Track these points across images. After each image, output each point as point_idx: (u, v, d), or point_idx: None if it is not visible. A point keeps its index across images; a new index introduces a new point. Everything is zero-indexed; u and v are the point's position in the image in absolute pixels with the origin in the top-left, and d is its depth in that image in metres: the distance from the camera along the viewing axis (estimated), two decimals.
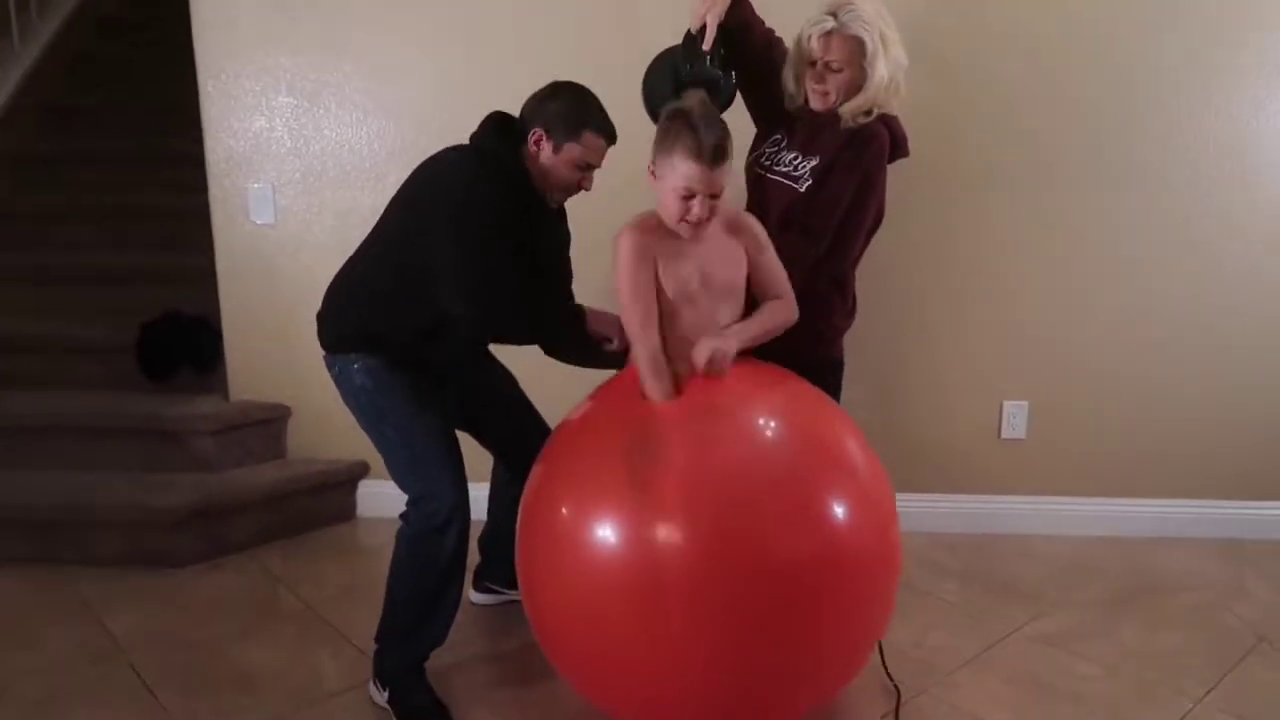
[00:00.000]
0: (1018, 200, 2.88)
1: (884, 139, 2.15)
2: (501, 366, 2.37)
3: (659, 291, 1.89)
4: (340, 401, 3.00)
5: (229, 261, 3.05)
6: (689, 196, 1.80)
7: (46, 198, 4.13)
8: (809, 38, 2.10)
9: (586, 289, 2.29)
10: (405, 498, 2.08)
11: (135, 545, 2.77)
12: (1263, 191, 2.84)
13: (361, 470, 3.15)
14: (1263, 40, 2.75)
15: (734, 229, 1.97)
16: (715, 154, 1.77)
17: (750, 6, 2.23)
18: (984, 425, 3.04)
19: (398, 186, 2.03)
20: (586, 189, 2.11)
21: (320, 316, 2.17)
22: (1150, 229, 2.88)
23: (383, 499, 3.10)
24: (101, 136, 4.37)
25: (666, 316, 1.91)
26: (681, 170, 1.79)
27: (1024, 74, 2.78)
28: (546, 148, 2.02)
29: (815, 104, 2.16)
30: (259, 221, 2.99)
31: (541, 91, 2.06)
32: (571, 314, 2.13)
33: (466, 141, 2.10)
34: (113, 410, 3.05)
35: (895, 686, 2.19)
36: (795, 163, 2.20)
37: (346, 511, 3.16)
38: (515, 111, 2.10)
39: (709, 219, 1.84)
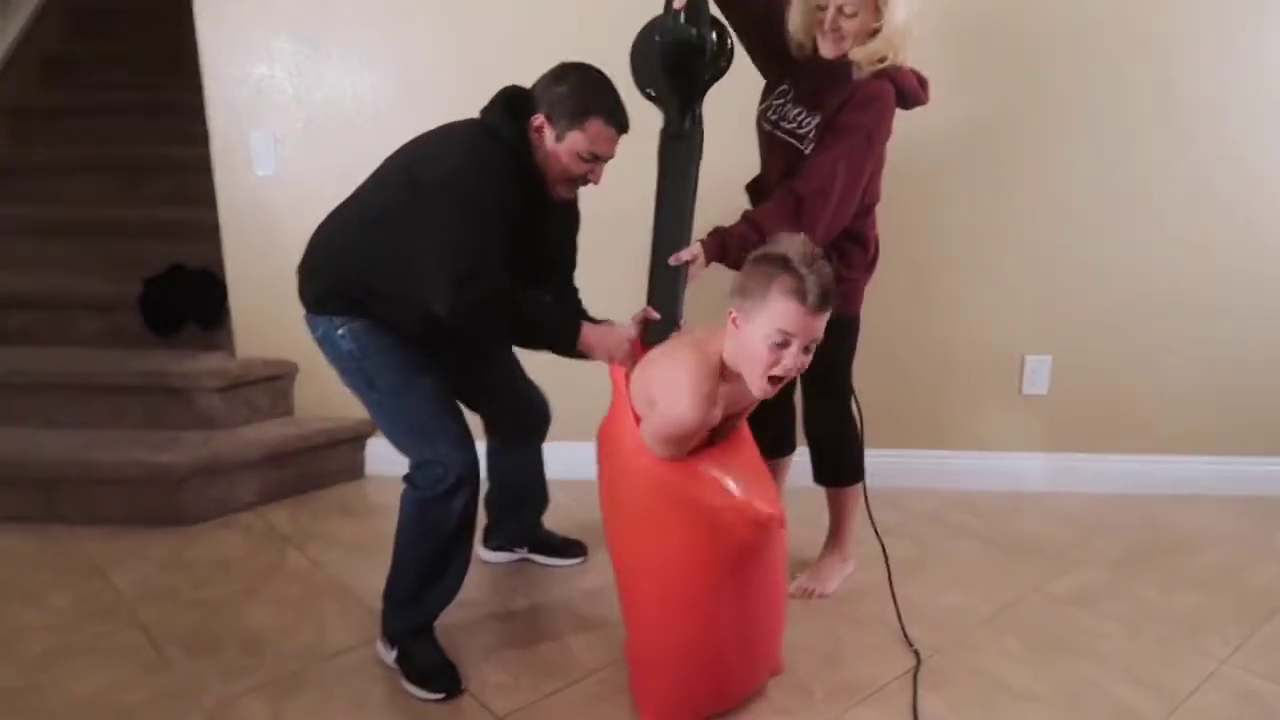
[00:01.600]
0: (1041, 153, 2.78)
1: (888, 97, 2.02)
2: None
3: None
4: None
5: (231, 214, 2.98)
6: (784, 344, 1.64)
7: (47, 150, 4.06)
8: None
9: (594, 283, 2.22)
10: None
11: (140, 503, 2.74)
12: None
13: (369, 428, 3.10)
14: None
15: None
16: (821, 300, 1.61)
17: None
18: (1006, 380, 2.96)
19: (402, 136, 1.93)
20: (594, 182, 1.97)
21: (302, 269, 2.07)
22: (1175, 182, 2.79)
23: (391, 457, 3.04)
24: (102, 88, 4.28)
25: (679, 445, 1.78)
26: (778, 310, 1.61)
27: (1047, 28, 2.67)
28: (549, 134, 1.90)
29: (826, 51, 2.03)
30: (261, 173, 2.92)
31: (551, 72, 1.93)
32: (569, 310, 2.09)
33: (477, 115, 1.98)
34: (116, 366, 3.01)
35: (915, 651, 2.15)
36: (800, 119, 2.09)
37: (354, 469, 3.12)
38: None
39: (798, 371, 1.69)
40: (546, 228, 2.03)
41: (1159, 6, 2.66)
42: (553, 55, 1.98)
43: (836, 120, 2.01)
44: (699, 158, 2.07)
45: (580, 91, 1.88)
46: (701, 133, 2.08)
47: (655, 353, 1.89)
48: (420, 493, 1.99)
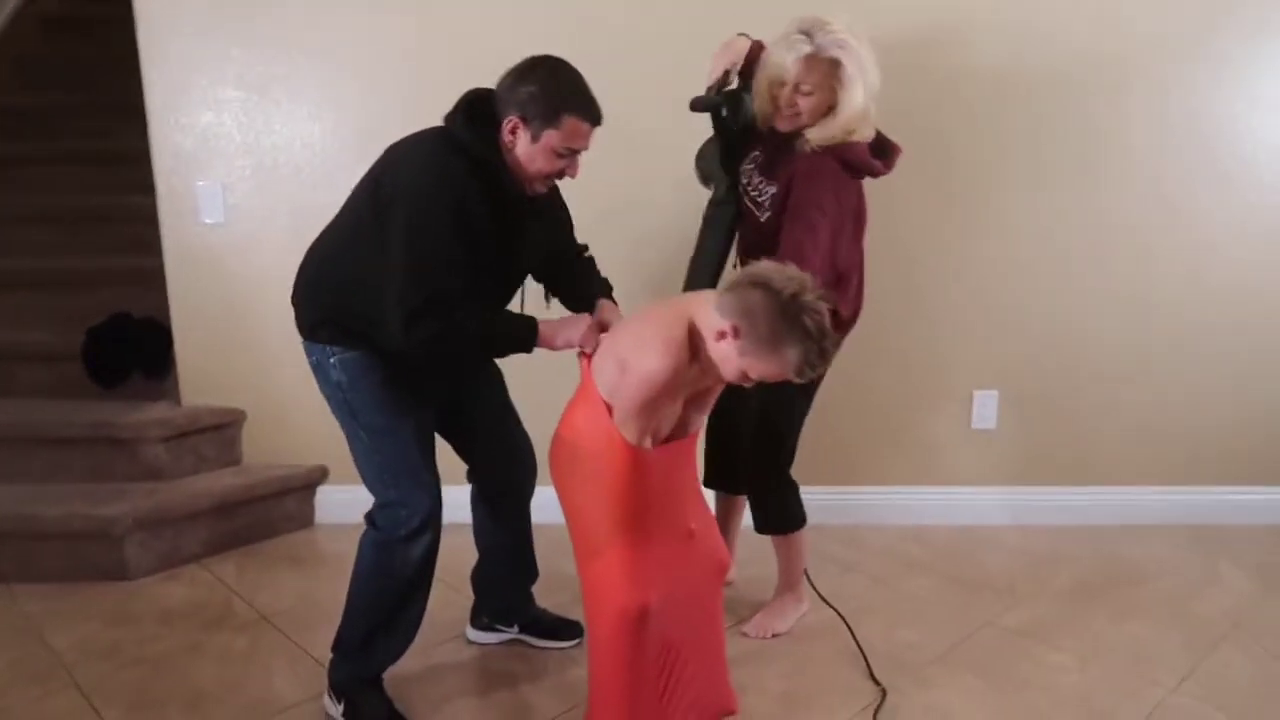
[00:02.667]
0: (987, 193, 2.85)
1: (828, 171, 2.06)
2: (494, 366, 2.20)
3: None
4: (298, 405, 2.98)
5: (178, 262, 2.95)
6: (751, 380, 1.71)
7: None
8: (782, 59, 2.01)
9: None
10: (371, 500, 1.99)
11: (82, 558, 2.67)
12: (1232, 189, 2.83)
13: (320, 475, 3.06)
14: (1240, 33, 2.74)
15: None
16: (812, 375, 1.69)
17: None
18: (955, 416, 3.00)
19: (352, 183, 1.91)
20: (572, 176, 1.90)
21: (293, 300, 2.01)
22: (1119, 221, 2.86)
23: (343, 505, 3.05)
24: (48, 137, 4.23)
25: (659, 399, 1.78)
26: (780, 368, 1.66)
27: (996, 69, 2.75)
28: (523, 136, 1.81)
29: (781, 125, 2.10)
30: (208, 220, 2.90)
31: (514, 70, 1.84)
32: (593, 286, 2.06)
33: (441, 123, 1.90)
34: (59, 419, 2.94)
35: (881, 686, 2.15)
36: (761, 186, 2.16)
37: (305, 518, 3.07)
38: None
39: None
40: (532, 229, 1.95)
41: (1101, 59, 2.75)
42: None
43: (789, 202, 2.06)
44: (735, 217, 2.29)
45: (552, 89, 1.79)
46: (736, 203, 2.27)
47: (625, 320, 1.91)
48: (380, 534, 1.96)
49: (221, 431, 3.02)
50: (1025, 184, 2.84)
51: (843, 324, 2.19)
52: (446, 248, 1.78)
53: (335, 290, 1.92)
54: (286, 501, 3.02)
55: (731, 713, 2.04)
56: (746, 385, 1.74)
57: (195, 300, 2.96)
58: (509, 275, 1.99)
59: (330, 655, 2.06)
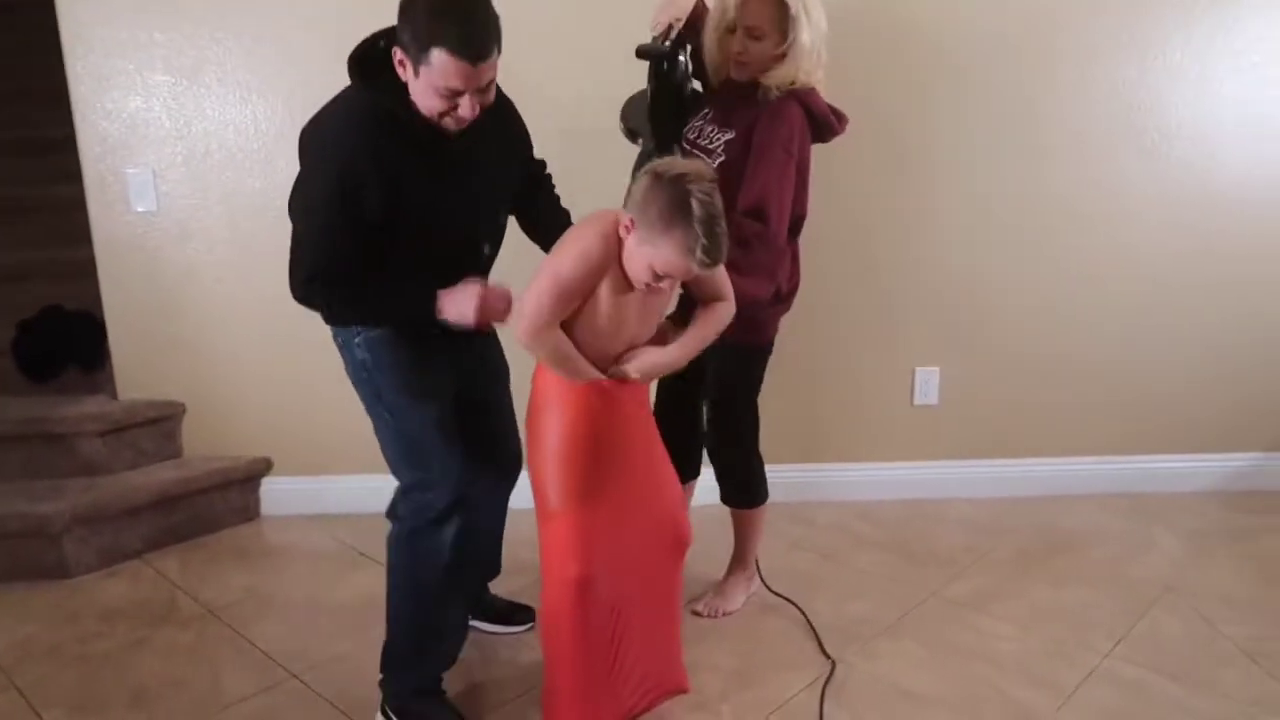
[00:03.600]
0: (927, 170, 2.88)
1: (795, 115, 2.08)
2: (501, 354, 2.12)
3: (590, 311, 1.74)
4: (239, 396, 2.94)
5: (109, 252, 2.87)
6: (660, 278, 1.68)
7: None
8: (726, 3, 2.04)
9: None
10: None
11: (19, 557, 2.61)
12: (1161, 163, 2.89)
13: (264, 467, 3.02)
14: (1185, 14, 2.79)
15: None
16: (707, 265, 1.64)
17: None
18: (897, 393, 3.05)
19: (288, 169, 1.85)
20: (465, 116, 1.65)
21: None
22: (1054, 201, 2.91)
23: (288, 496, 3.02)
24: None
25: (592, 323, 1.75)
26: (666, 258, 1.63)
27: (930, 39, 2.78)
28: (409, 70, 1.61)
29: (734, 73, 2.11)
30: (140, 209, 2.82)
31: None
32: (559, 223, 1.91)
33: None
34: None
35: (830, 658, 2.20)
36: (711, 134, 2.16)
37: (249, 511, 3.02)
38: None
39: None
40: (473, 168, 1.79)
41: (1032, 35, 2.78)
42: None
43: (752, 141, 2.06)
44: None
45: (425, 17, 1.56)
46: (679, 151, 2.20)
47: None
48: (407, 523, 1.89)
49: (160, 425, 2.96)
50: (960, 159, 2.87)
51: (783, 296, 2.22)
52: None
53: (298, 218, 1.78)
54: (229, 494, 2.97)
55: (683, 691, 2.05)
56: (660, 287, 1.70)
57: (128, 291, 2.89)
58: (468, 224, 1.85)
59: (380, 676, 1.98)
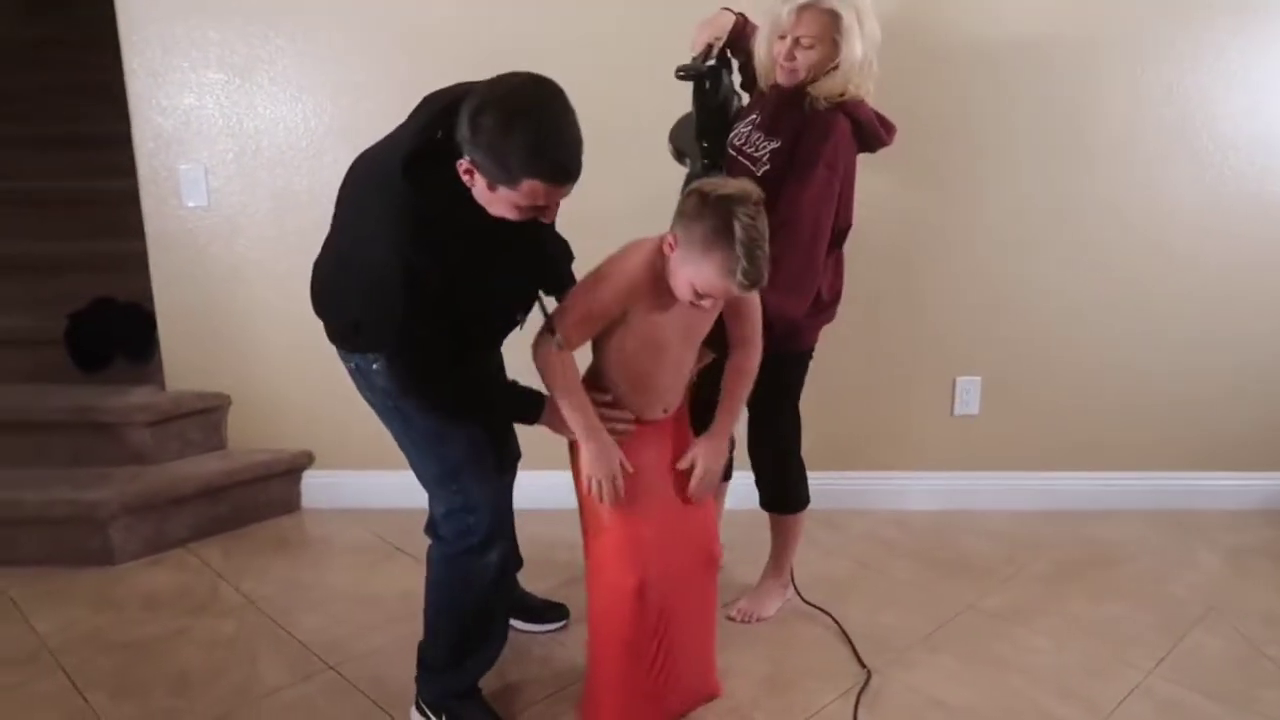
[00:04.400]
0: (971, 176, 2.86)
1: (841, 130, 2.05)
2: (500, 356, 2.06)
3: (629, 334, 1.79)
4: (283, 389, 2.98)
5: (161, 246, 2.93)
6: (701, 297, 1.69)
7: None
8: (779, 12, 2.01)
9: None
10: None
11: (66, 543, 2.66)
12: (1213, 171, 2.85)
13: (305, 460, 3.06)
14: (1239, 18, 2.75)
15: None
16: (750, 286, 1.64)
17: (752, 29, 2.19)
18: (937, 402, 3.03)
19: (336, 167, 1.85)
20: (548, 220, 1.65)
21: (318, 309, 1.87)
22: (1101, 208, 2.87)
23: (328, 489, 3.06)
24: (27, 120, 4.20)
25: (634, 358, 1.82)
26: (707, 278, 1.65)
27: (973, 45, 2.76)
28: (480, 182, 1.55)
29: (781, 79, 2.08)
30: (191, 204, 2.88)
31: (470, 109, 1.50)
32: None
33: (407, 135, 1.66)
34: (42, 404, 2.92)
35: (866, 669, 2.19)
36: (757, 142, 2.13)
37: (290, 503, 3.07)
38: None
39: None
40: (520, 240, 1.71)
41: (1079, 39, 2.75)
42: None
43: (796, 153, 2.05)
44: None
45: (502, 150, 1.48)
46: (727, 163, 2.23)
47: None
48: (448, 548, 1.86)
49: (206, 416, 3.01)
50: (1005, 165, 2.84)
51: (824, 306, 2.21)
52: (428, 305, 1.62)
53: (360, 298, 1.75)
54: (271, 486, 3.01)
55: (715, 696, 2.07)
56: (703, 306, 1.72)
57: (178, 284, 2.95)
58: (515, 298, 1.80)
59: (416, 672, 1.99)
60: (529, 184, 1.51)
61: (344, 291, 1.79)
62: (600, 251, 1.82)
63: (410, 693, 2.01)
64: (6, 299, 3.37)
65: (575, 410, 1.78)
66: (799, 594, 2.48)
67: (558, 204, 1.63)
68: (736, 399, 1.97)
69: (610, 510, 1.85)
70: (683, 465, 1.95)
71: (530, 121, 1.49)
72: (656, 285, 1.75)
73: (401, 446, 1.89)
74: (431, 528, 1.93)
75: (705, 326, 1.90)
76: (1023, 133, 2.82)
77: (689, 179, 2.22)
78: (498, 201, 1.57)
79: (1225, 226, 2.89)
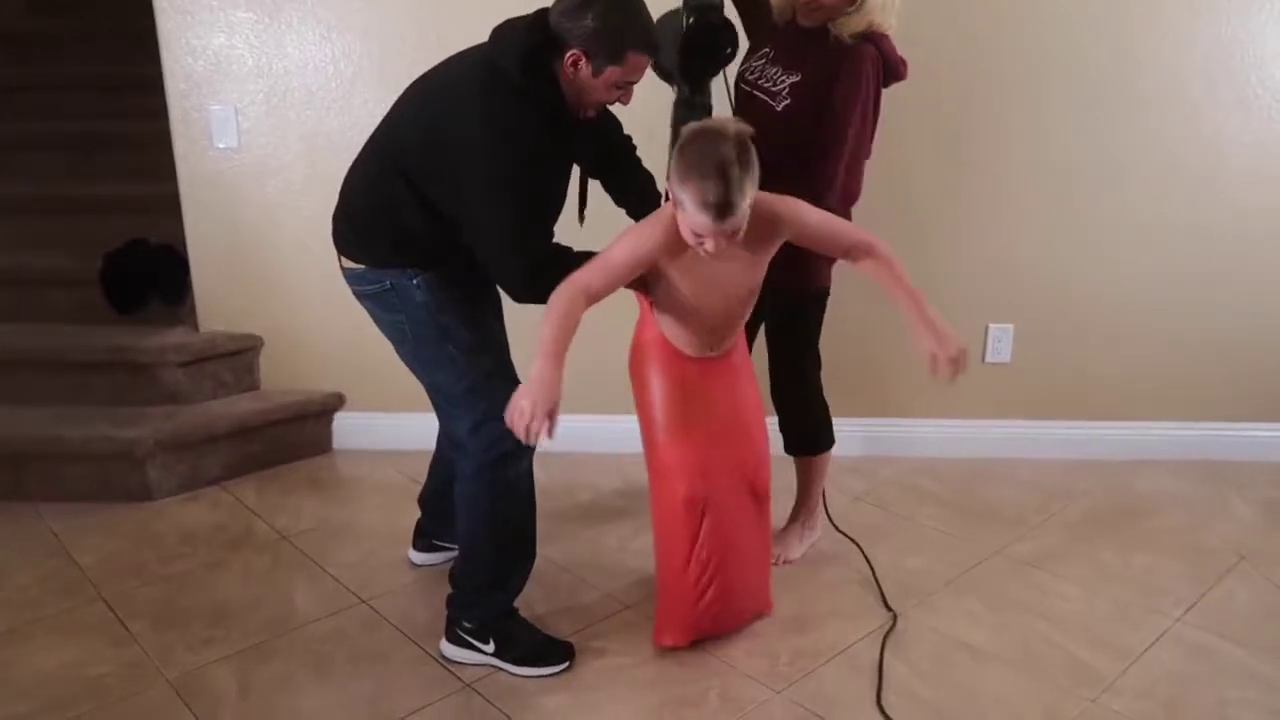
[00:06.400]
0: (1004, 124, 2.80)
1: (872, 62, 2.03)
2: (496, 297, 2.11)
3: (674, 288, 1.86)
4: (314, 331, 3.00)
5: (192, 188, 2.94)
6: (700, 238, 1.70)
7: (6, 126, 3.98)
8: None
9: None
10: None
11: (106, 479, 2.72)
12: (1253, 116, 2.77)
13: (337, 402, 3.09)
14: None
15: (770, 227, 1.82)
16: (721, 210, 1.63)
17: None
18: (970, 349, 2.98)
19: (366, 108, 1.85)
20: (625, 104, 1.86)
21: (343, 232, 1.93)
22: (1137, 154, 2.81)
23: (359, 430, 3.10)
24: (62, 63, 4.21)
25: (675, 300, 1.89)
26: (691, 216, 1.67)
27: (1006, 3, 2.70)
28: (585, 69, 1.74)
29: (804, 19, 2.06)
30: (222, 145, 2.88)
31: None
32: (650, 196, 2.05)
33: (484, 51, 1.80)
34: (79, 343, 2.96)
35: (893, 611, 2.20)
36: (775, 77, 2.12)
37: (322, 444, 3.11)
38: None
39: (727, 248, 1.73)
40: (583, 142, 1.95)
41: None
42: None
43: (831, 97, 2.02)
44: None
45: (613, 24, 1.72)
46: (710, 106, 2.18)
47: None
48: (485, 457, 1.87)
49: (239, 357, 3.05)
50: (1046, 111, 2.78)
51: (851, 198, 2.22)
52: (539, 200, 1.81)
53: (400, 218, 1.83)
54: (304, 426, 3.05)
55: (765, 613, 2.18)
56: (707, 249, 1.71)
57: (210, 226, 2.96)
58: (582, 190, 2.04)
59: (451, 609, 2.02)
60: (634, 57, 1.75)
61: (399, 204, 1.82)
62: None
63: (438, 626, 2.05)
64: (46, 239, 3.40)
65: (551, 335, 1.69)
66: (833, 523, 2.47)
67: (632, 90, 1.83)
68: (904, 287, 1.89)
69: (666, 428, 1.97)
70: (932, 368, 1.93)
71: (629, 6, 1.76)
72: (677, 243, 1.77)
73: (428, 366, 1.94)
74: (457, 447, 1.95)
75: (751, 280, 1.91)
76: (1069, 78, 2.76)
77: (678, 106, 2.19)
78: (599, 87, 1.77)
79: (1272, 171, 2.81)
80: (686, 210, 1.67)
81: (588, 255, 1.82)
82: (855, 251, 1.90)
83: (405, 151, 1.82)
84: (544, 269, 1.77)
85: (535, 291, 1.77)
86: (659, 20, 2.05)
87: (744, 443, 2.06)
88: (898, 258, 1.89)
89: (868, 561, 2.38)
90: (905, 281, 1.88)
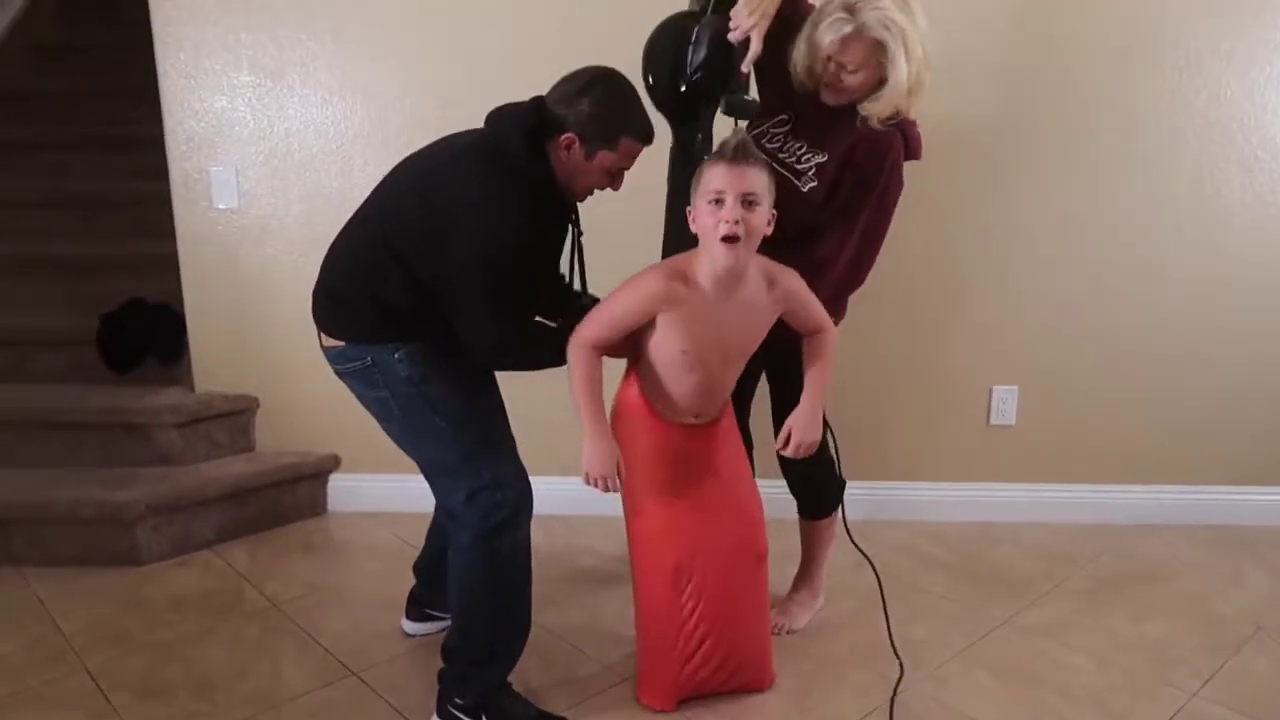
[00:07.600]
0: (1009, 188, 2.80)
1: (899, 151, 2.00)
2: None
3: (669, 341, 1.85)
4: (311, 392, 2.97)
5: (191, 248, 2.94)
6: (719, 200, 1.70)
7: (4, 185, 4.00)
8: (821, 39, 1.91)
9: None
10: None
11: (95, 542, 2.67)
12: (1260, 177, 2.77)
13: (332, 463, 3.05)
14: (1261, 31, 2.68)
15: (770, 284, 1.86)
16: (737, 151, 1.71)
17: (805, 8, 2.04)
18: (974, 411, 2.96)
19: (365, 170, 1.85)
20: (615, 189, 1.88)
21: (325, 307, 1.91)
22: (1141, 216, 2.81)
23: (354, 493, 3.05)
24: (62, 122, 4.25)
25: (669, 369, 1.89)
26: (707, 178, 1.72)
27: (1011, 61, 2.71)
28: (578, 153, 1.78)
29: (828, 99, 2.01)
30: (221, 206, 2.89)
31: (572, 83, 1.78)
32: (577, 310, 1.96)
33: (479, 127, 1.85)
34: (73, 403, 2.93)
35: (900, 664, 2.16)
36: (800, 153, 2.05)
37: (317, 506, 3.06)
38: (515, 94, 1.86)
39: (749, 234, 1.72)
40: (562, 240, 1.96)
41: (1121, 44, 2.69)
42: (518, 91, 1.89)
43: (862, 177, 2.00)
44: None
45: (610, 109, 1.77)
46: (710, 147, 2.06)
47: None
48: (480, 526, 1.83)
49: (234, 418, 3.01)
50: (1050, 171, 2.79)
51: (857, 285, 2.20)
52: (522, 284, 1.80)
53: (384, 292, 1.81)
54: (298, 489, 3.01)
55: (764, 687, 2.11)
56: (724, 225, 1.70)
57: (208, 286, 2.95)
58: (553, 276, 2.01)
59: (442, 684, 1.96)
60: (627, 143, 1.80)
61: (382, 277, 1.80)
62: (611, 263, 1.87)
63: (430, 702, 1.98)
64: (43, 299, 3.40)
65: (585, 405, 1.83)
66: (849, 533, 2.31)
67: (623, 176, 1.87)
68: (819, 371, 1.97)
69: (649, 495, 1.95)
70: (779, 445, 1.97)
71: (625, 93, 1.82)
72: (684, 286, 1.80)
73: (416, 439, 1.91)
74: (452, 517, 1.90)
75: (744, 337, 1.91)
76: (1071, 137, 2.77)
77: (681, 144, 2.05)
78: (591, 171, 1.81)
79: (1275, 235, 2.80)
80: (701, 181, 1.74)
81: (558, 330, 1.89)
82: (815, 330, 1.97)
83: (397, 225, 1.80)
84: (502, 355, 1.84)
85: (499, 363, 1.86)
86: (661, 25, 2.01)
87: (734, 507, 2.03)
88: (834, 350, 1.99)
89: (879, 581, 2.29)
90: (826, 369, 1.97)
